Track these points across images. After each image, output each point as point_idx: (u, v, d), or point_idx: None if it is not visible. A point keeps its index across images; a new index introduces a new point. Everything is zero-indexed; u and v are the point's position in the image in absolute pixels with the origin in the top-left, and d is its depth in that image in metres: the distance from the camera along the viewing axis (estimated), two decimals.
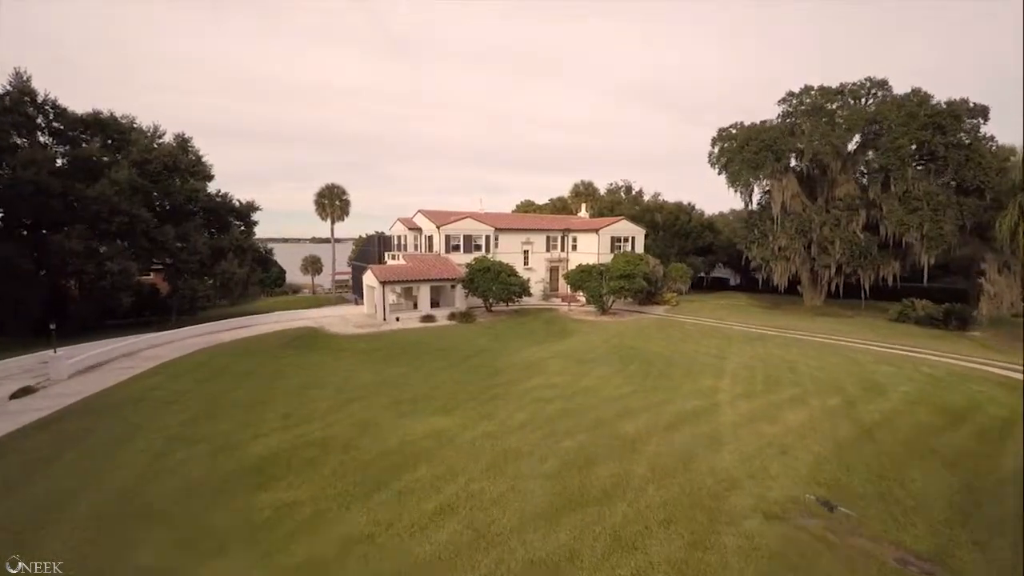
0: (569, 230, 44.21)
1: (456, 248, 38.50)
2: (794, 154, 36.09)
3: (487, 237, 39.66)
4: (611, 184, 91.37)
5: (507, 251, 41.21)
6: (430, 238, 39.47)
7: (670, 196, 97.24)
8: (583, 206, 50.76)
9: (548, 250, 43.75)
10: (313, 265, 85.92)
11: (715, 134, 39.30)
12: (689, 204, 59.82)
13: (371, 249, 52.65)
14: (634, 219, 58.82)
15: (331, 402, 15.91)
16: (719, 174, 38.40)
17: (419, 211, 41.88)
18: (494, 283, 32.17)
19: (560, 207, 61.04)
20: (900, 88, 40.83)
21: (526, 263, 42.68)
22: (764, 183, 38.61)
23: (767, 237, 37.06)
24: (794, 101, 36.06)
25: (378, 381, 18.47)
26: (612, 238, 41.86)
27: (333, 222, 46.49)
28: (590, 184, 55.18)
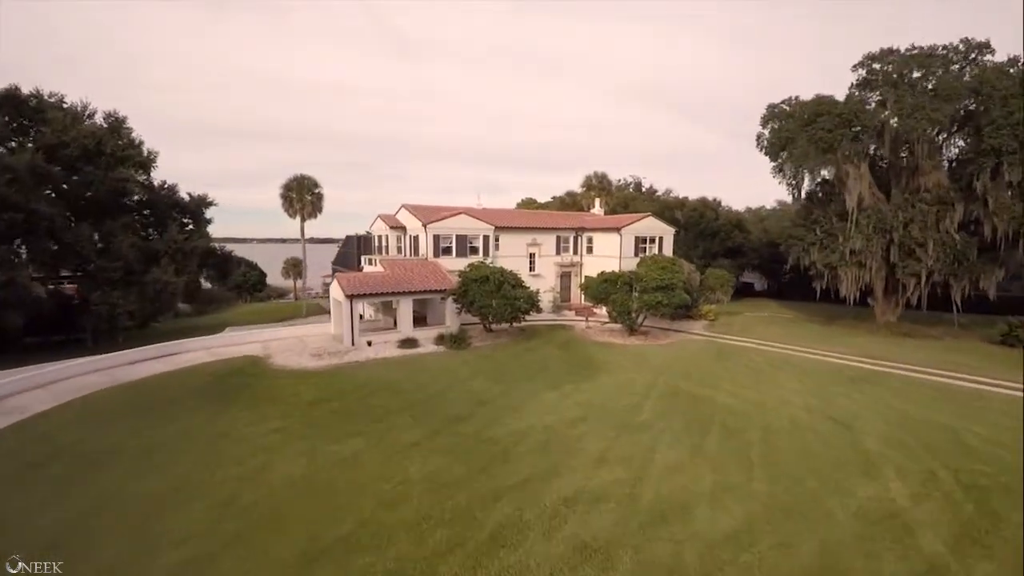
0: (583, 229, 36.86)
1: (447, 251, 31.12)
2: (871, 134, 28.73)
3: (485, 238, 32.28)
4: (619, 180, 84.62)
5: (510, 254, 33.88)
6: (416, 239, 32.08)
7: (677, 193, 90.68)
8: (597, 201, 43.38)
9: (559, 252, 36.40)
10: (294, 268, 78.58)
11: (764, 112, 31.97)
12: (715, 200, 52.60)
13: (350, 251, 45.33)
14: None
15: (184, 553, 8.50)
16: (773, 159, 31.03)
17: (403, 206, 34.47)
18: (494, 296, 24.79)
19: (570, 203, 53.55)
20: None
21: (532, 269, 35.33)
22: (822, 171, 31.26)
23: (834, 238, 29.70)
24: (875, 67, 28.63)
25: (302, 478, 11.11)
26: (636, 239, 34.53)
27: (303, 220, 39.12)
28: (604, 176, 47.95)
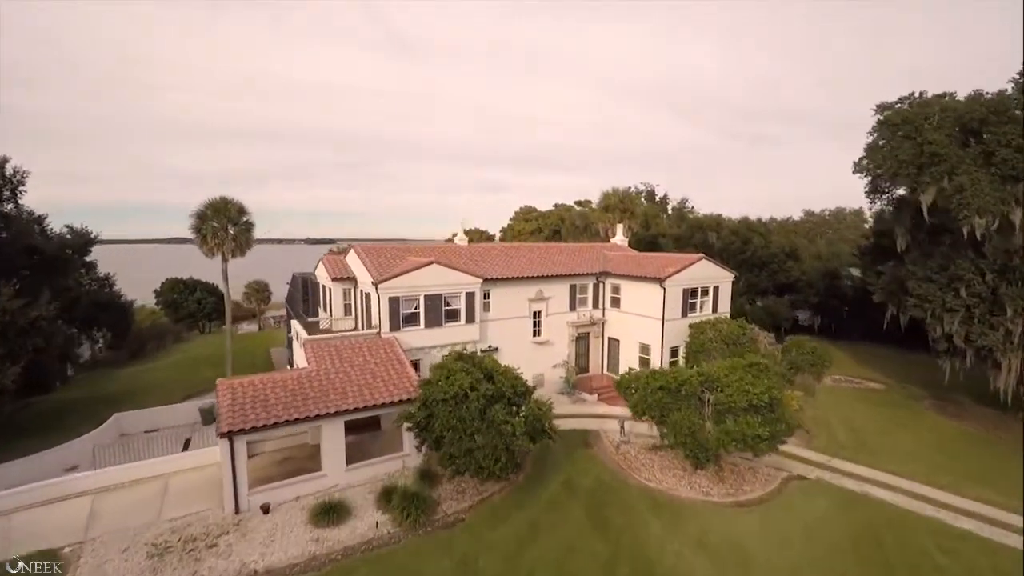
0: (607, 274, 26.70)
1: (411, 320, 20.97)
2: None
3: (469, 296, 22.10)
4: (630, 188, 74.32)
5: (505, 315, 23.86)
6: (368, 297, 21.87)
7: (692, 203, 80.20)
8: (620, 229, 33.13)
9: (573, 307, 26.25)
10: (258, 294, 67.85)
11: (877, 114, 21.86)
12: (759, 221, 42.48)
13: (296, 295, 34.91)
14: (686, 245, 41.58)
15: None
16: (900, 183, 20.98)
17: (353, 248, 24.22)
18: (476, 428, 14.52)
19: (581, 227, 42.92)
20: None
21: (537, 334, 25.23)
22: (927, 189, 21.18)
23: (997, 306, 19.62)
24: None
25: None
26: (685, 291, 24.45)
27: (226, 259, 28.79)
28: (626, 195, 37.08)
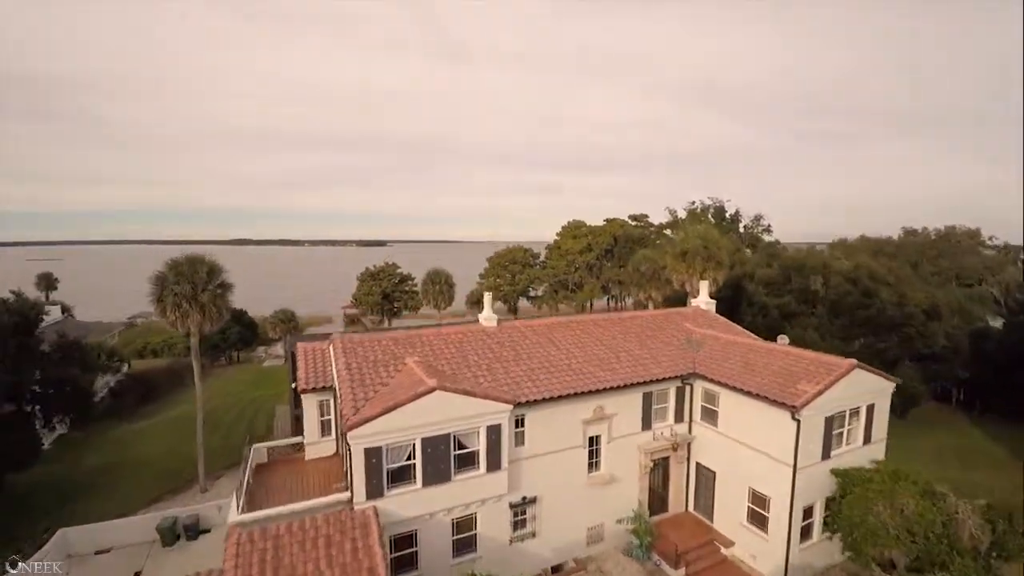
0: (697, 375, 18.37)
1: (403, 475, 13.63)
2: None
3: (492, 432, 14.49)
4: (693, 204, 64.61)
5: (549, 446, 16.24)
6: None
7: (766, 219, 69.17)
8: (703, 288, 24.55)
9: (648, 424, 18.11)
10: (284, 324, 62.67)
11: None
12: (890, 271, 32.44)
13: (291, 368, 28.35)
14: (780, 292, 32.47)
15: None
16: None
17: (332, 342, 17.15)
18: None
19: (655, 269, 33.74)
20: None
21: (594, 467, 17.30)
22: None
23: None
24: None
25: None
26: (828, 420, 15.83)
27: (192, 336, 22.64)
28: (711, 236, 27.70)
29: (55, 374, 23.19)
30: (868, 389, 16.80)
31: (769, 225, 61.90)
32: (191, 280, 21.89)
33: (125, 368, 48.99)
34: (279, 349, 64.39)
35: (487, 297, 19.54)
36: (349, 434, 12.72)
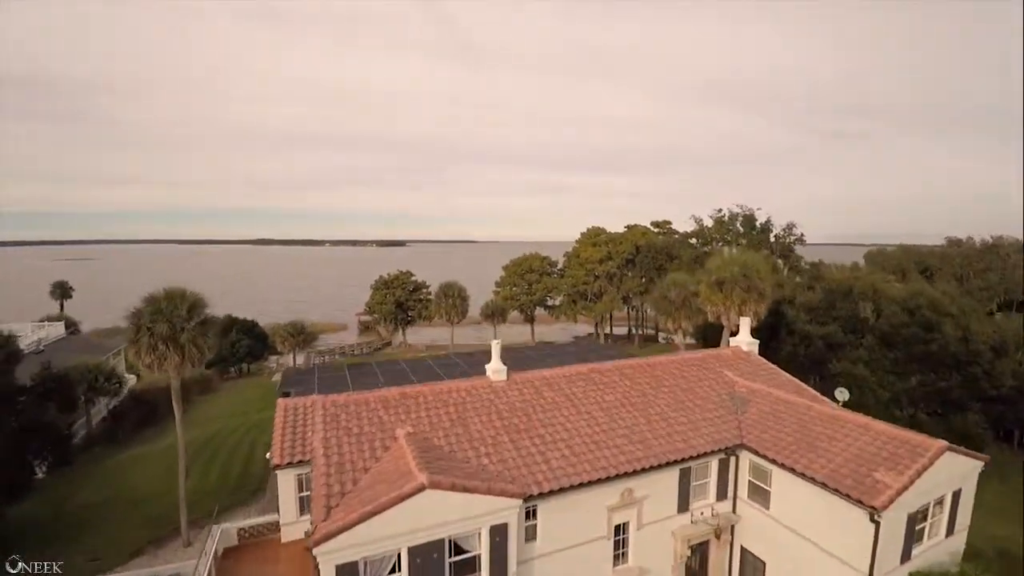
0: (744, 448, 15.44)
1: None
2: None
3: (496, 533, 11.84)
4: (719, 212, 60.91)
5: (566, 540, 13.41)
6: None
7: (796, 227, 65.08)
8: (745, 324, 21.52)
9: (685, 505, 15.26)
10: (294, 337, 60.90)
11: None
12: (951, 299, 28.82)
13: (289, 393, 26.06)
14: (824, 319, 29.42)
15: None
16: None
17: (314, 401, 14.66)
18: None
19: (686, 296, 30.38)
20: None
21: (620, 559, 14.50)
22: None
23: None
24: None
25: None
26: (911, 516, 12.81)
27: (174, 378, 20.54)
28: (751, 262, 24.27)
29: (31, 415, 21.25)
30: (957, 473, 13.68)
31: (802, 235, 57.94)
32: (169, 318, 19.66)
33: (130, 382, 47.61)
34: (291, 360, 62.87)
35: (495, 347, 16.83)
36: (315, 549, 10.18)
